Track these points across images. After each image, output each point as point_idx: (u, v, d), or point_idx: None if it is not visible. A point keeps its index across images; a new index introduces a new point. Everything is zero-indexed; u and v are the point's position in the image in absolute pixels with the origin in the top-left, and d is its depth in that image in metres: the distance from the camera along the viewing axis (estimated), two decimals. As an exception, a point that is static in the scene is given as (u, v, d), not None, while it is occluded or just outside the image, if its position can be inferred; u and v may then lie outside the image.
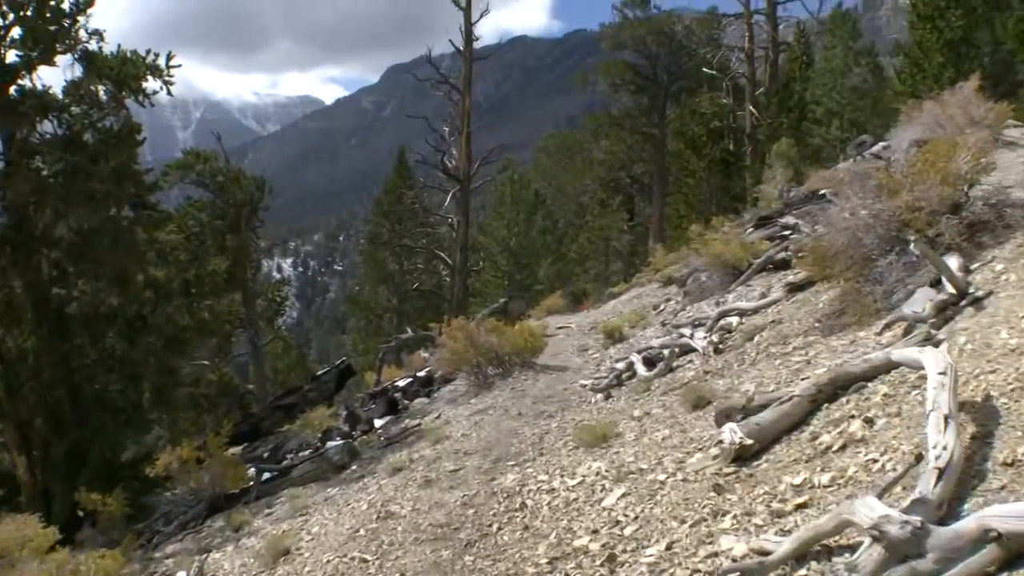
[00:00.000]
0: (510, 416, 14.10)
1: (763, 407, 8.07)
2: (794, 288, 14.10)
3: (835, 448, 6.82)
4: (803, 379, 9.19)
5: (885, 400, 7.32)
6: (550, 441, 11.74)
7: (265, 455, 20.79)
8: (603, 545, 7.04)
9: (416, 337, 27.58)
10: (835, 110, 38.28)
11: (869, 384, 7.81)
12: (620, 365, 14.78)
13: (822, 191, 23.09)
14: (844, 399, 7.77)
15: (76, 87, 20.23)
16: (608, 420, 11.32)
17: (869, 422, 6.95)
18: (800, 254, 13.86)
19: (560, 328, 24.59)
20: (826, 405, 7.82)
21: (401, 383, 23.00)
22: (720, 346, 13.27)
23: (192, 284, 25.21)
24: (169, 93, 21.31)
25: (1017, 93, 27.68)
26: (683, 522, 6.75)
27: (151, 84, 20.95)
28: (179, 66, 21.12)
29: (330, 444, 19.53)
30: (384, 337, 45.31)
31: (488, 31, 34.23)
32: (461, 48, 36.37)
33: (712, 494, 6.97)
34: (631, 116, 49.22)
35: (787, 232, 19.84)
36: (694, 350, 13.80)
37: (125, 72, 20.44)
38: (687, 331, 14.43)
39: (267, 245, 43.49)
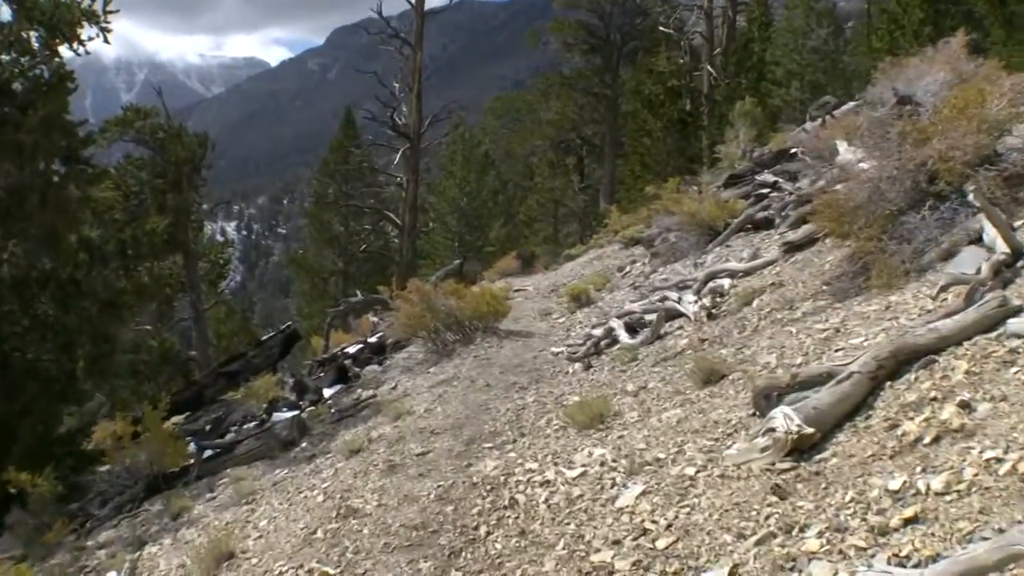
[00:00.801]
0: (477, 388, 12.58)
1: (807, 385, 6.62)
2: (792, 248, 12.66)
3: (927, 440, 5.33)
4: (837, 350, 7.77)
5: (971, 379, 5.86)
6: (530, 418, 10.26)
7: (207, 427, 19.20)
8: (634, 564, 5.45)
9: (365, 300, 25.88)
10: (795, 71, 37.05)
11: (939, 358, 6.36)
12: (597, 332, 13.27)
13: (792, 149, 21.88)
14: (911, 376, 6.31)
15: (5, 32, 18.25)
16: (597, 395, 9.84)
17: (966, 407, 5.48)
18: (813, 209, 12.29)
19: (517, 291, 23.07)
20: (889, 384, 6.37)
21: (351, 349, 21.38)
22: (713, 311, 11.79)
23: (129, 245, 23.39)
24: (106, 40, 19.33)
25: (985, 53, 26.52)
26: (741, 536, 5.21)
27: (87, 31, 19.01)
28: (117, 11, 19.13)
29: (276, 416, 18.02)
30: (330, 300, 43.59)
31: (435, -6, 32.49)
32: (412, 1, 34.52)
33: (773, 499, 5.45)
34: (583, 76, 47.53)
35: (765, 190, 18.44)
36: (682, 315, 12.33)
37: (59, 17, 18.47)
38: (673, 295, 12.90)
39: (210, 207, 41.16)
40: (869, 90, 22.05)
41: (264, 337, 26.20)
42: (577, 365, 12.38)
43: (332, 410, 16.02)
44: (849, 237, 10.28)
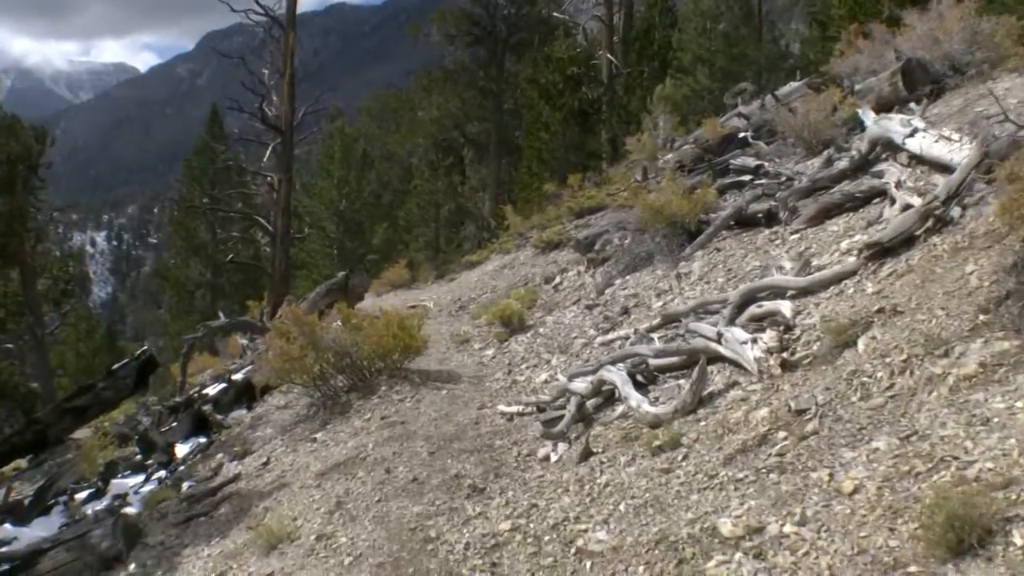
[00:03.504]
0: (399, 487, 7.55)
1: None
2: (880, 251, 7.89)
3: None
4: None
5: None
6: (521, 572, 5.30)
7: (28, 500, 13.92)
8: None
9: (229, 324, 20.50)
10: (704, 57, 32.75)
11: None
12: (579, 385, 8.32)
13: (742, 134, 17.78)
14: None
15: None
16: (657, 537, 4.95)
17: None
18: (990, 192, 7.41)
19: (412, 307, 18.09)
20: None
21: (211, 391, 16.20)
22: (786, 356, 6.97)
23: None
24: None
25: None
26: None
27: None
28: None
29: (115, 484, 13.14)
30: (197, 316, 37.99)
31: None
32: (282, -27, 29.07)
33: None
34: (467, 70, 42.76)
35: (747, 178, 13.88)
36: (723, 359, 7.51)
37: None
38: (705, 328, 7.95)
39: (47, 212, 34.38)
40: (835, 63, 18.15)
41: (115, 366, 21.03)
42: (560, 446, 7.44)
43: (182, 491, 11.02)
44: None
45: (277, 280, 29.04)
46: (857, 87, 15.54)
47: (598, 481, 6.42)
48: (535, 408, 8.81)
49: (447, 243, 43.55)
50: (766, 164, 13.77)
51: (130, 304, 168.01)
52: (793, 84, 20.06)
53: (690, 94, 32.02)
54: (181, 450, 14.23)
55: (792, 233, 10.57)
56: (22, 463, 17.12)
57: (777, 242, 10.66)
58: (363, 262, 37.51)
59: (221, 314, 22.22)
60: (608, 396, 8.03)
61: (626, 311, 11.18)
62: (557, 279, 15.70)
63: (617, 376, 7.82)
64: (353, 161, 41.97)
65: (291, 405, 12.51)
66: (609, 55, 36.23)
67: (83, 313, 46.67)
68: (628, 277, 12.83)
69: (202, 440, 14.32)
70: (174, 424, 15.68)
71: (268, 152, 29.52)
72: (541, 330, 12.55)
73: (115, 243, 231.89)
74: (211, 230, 42.70)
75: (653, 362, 8.06)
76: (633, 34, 37.16)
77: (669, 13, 36.54)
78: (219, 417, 14.70)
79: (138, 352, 20.49)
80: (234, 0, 28.81)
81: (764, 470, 5.48)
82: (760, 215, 11.81)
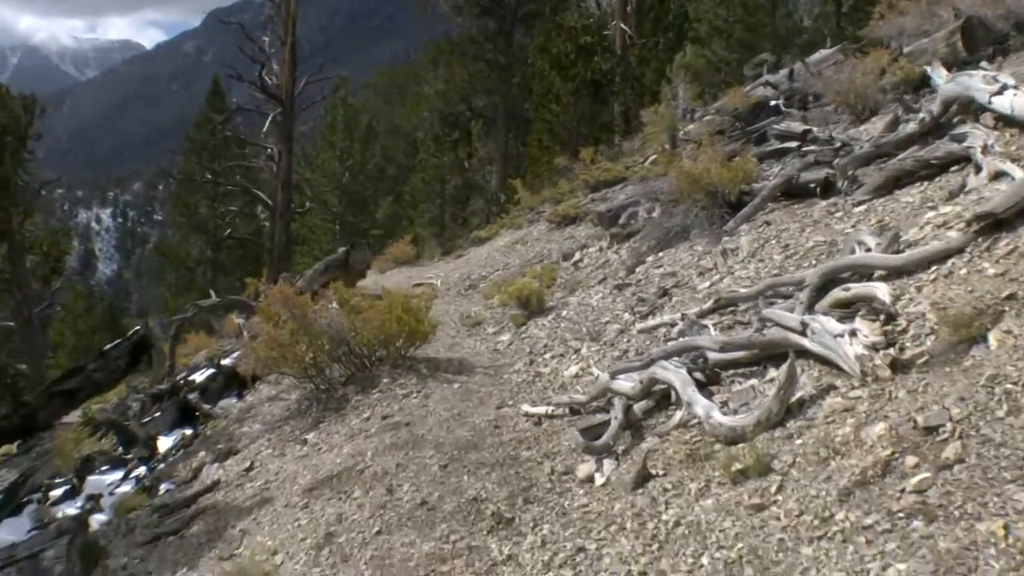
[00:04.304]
0: (403, 512, 6.07)
1: None
2: (993, 223, 6.34)
3: None
4: None
5: None
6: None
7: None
8: None
9: (221, 303, 19.09)
10: (722, 28, 31.19)
11: None
12: (624, 384, 6.78)
13: (772, 102, 16.50)
14: None
15: None
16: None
17: None
18: None
19: (418, 285, 16.69)
20: None
21: (199, 376, 14.77)
22: (893, 353, 5.43)
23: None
24: None
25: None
26: None
27: None
28: None
29: (92, 481, 11.94)
30: (196, 293, 36.59)
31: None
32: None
33: None
34: (475, 42, 41.11)
35: (792, 145, 12.36)
36: (808, 354, 5.97)
37: None
38: (786, 317, 6.32)
39: (36, 186, 32.48)
40: (875, 26, 17.14)
41: (107, 346, 19.73)
42: (607, 463, 5.93)
43: (157, 497, 9.57)
44: None
45: (276, 256, 27.65)
46: (907, 49, 14.11)
47: (664, 518, 4.92)
48: (567, 410, 7.31)
49: (453, 219, 42.20)
50: (815, 130, 12.25)
51: (135, 281, 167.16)
52: (824, 51, 19.16)
53: (707, 65, 30.50)
54: (164, 443, 12.92)
55: (856, 205, 9.06)
56: (11, 449, 15.90)
57: (838, 214, 9.14)
58: (366, 237, 36.06)
59: (213, 293, 20.73)
60: (660, 398, 6.52)
61: (665, 292, 9.65)
62: (577, 256, 14.24)
63: (675, 375, 6.29)
64: (357, 133, 40.53)
65: (282, 396, 11.04)
66: (623, 25, 34.57)
67: (82, 290, 45.37)
68: (661, 254, 11.31)
69: (187, 432, 12.97)
70: (158, 414, 14.30)
71: (268, 122, 28.02)
72: (564, 313, 11.04)
73: (120, 220, 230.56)
74: (211, 205, 41.27)
75: (714, 356, 6.55)
76: (647, 4, 35.51)
77: (684, -19, 35.07)
78: (206, 407, 13.31)
79: (131, 332, 19.09)
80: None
81: (902, 515, 3.98)
82: (814, 184, 10.26)
